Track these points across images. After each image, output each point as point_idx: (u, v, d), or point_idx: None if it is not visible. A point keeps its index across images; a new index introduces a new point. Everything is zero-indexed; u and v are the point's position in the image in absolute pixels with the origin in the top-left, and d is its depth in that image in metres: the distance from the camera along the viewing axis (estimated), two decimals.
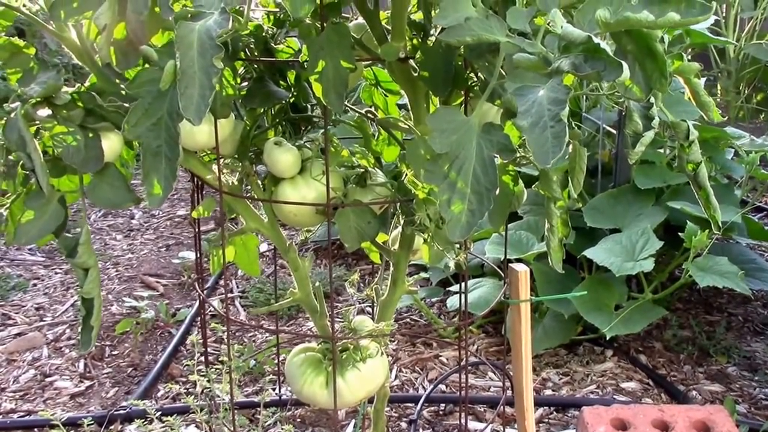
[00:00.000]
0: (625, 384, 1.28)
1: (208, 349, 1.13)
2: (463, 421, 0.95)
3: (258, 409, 1.12)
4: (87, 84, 0.68)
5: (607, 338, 1.26)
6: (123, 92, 0.66)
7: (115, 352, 1.43)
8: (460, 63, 0.66)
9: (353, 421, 1.14)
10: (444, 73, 0.65)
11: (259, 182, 0.77)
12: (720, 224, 0.67)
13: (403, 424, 1.17)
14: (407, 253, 0.79)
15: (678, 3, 0.44)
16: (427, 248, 0.79)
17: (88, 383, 1.32)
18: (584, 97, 1.49)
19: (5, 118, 0.62)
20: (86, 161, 0.65)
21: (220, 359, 0.90)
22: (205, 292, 1.30)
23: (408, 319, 1.55)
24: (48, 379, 1.34)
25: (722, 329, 1.42)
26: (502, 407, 1.02)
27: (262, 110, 0.78)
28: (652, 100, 0.59)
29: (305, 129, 0.81)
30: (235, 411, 0.88)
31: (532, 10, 0.51)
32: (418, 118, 0.72)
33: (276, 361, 1.23)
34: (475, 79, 0.68)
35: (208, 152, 0.78)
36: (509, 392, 0.92)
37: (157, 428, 1.00)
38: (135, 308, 1.54)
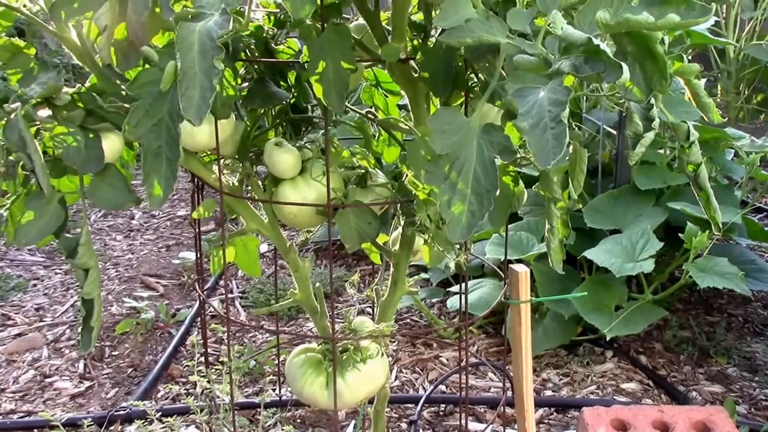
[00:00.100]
0: (625, 385, 1.28)
1: (208, 350, 1.13)
2: (463, 421, 0.95)
3: (258, 409, 1.12)
4: (87, 84, 0.68)
5: (608, 339, 1.25)
6: (123, 93, 0.66)
7: (115, 353, 1.43)
8: (460, 64, 0.66)
9: (353, 421, 1.14)
10: (444, 74, 0.65)
11: (260, 183, 0.77)
12: (720, 225, 0.67)
13: (404, 425, 1.16)
14: (408, 253, 0.79)
15: (678, 4, 0.45)
16: (428, 249, 0.79)
17: (88, 384, 1.32)
18: (584, 97, 1.49)
19: (6, 119, 0.62)
20: (87, 162, 0.65)
21: (220, 360, 0.90)
22: (205, 292, 1.29)
23: (408, 320, 1.55)
24: (48, 380, 1.34)
25: (722, 330, 1.42)
26: (502, 408, 1.02)
27: (262, 111, 0.78)
28: (653, 101, 0.59)
29: (306, 130, 0.81)
30: (236, 411, 0.88)
31: (532, 11, 0.51)
32: (418, 118, 0.72)
33: (276, 362, 1.23)
34: (476, 80, 0.68)
35: (209, 153, 0.78)
36: (509, 393, 0.92)
37: (157, 429, 1.00)
38: (135, 309, 1.54)
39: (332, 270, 0.74)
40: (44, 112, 0.65)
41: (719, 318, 1.50)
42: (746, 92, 2.64)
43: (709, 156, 1.46)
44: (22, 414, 1.23)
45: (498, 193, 0.50)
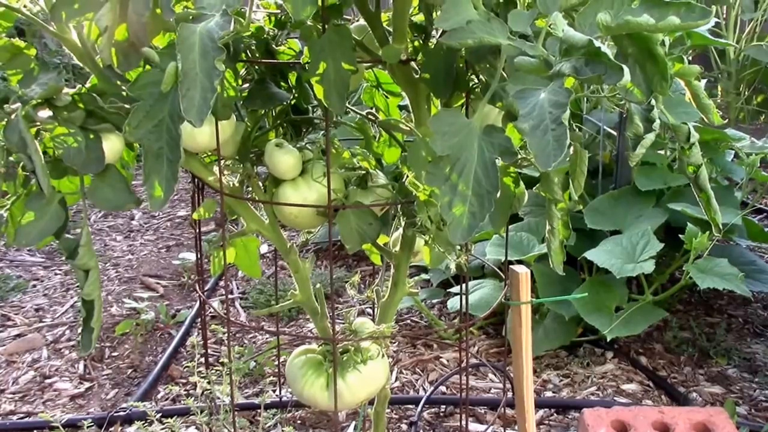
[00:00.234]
0: (625, 386, 1.28)
1: (209, 351, 1.13)
2: (463, 422, 0.95)
3: (258, 410, 1.12)
4: (88, 85, 0.68)
5: (608, 340, 1.25)
6: (124, 94, 0.66)
7: (115, 354, 1.43)
8: (461, 65, 0.66)
9: (354, 422, 1.14)
10: (445, 75, 0.65)
11: (260, 184, 0.77)
12: (720, 227, 0.67)
13: (404, 426, 1.16)
14: (408, 255, 0.79)
15: (678, 7, 0.45)
16: (428, 250, 0.79)
17: (87, 385, 1.32)
18: (585, 98, 1.50)
19: (6, 120, 0.62)
20: (87, 163, 0.65)
21: (220, 361, 0.89)
22: (205, 293, 1.29)
23: (408, 321, 1.55)
24: (47, 381, 1.34)
25: (722, 331, 1.42)
26: (502, 409, 1.02)
27: (263, 112, 0.78)
28: (653, 102, 0.59)
29: (306, 130, 0.81)
30: (236, 413, 0.88)
31: (533, 12, 0.51)
32: (419, 119, 0.72)
33: (276, 363, 1.23)
34: (476, 81, 0.68)
35: (209, 153, 0.78)
36: (510, 394, 0.92)
37: (157, 430, 0.99)
38: (135, 309, 1.54)
39: (332, 271, 0.74)
40: (45, 113, 0.65)
41: (719, 319, 1.50)
42: (746, 93, 2.65)
43: (710, 157, 1.46)
44: (21, 415, 1.23)
45: (499, 194, 0.50)
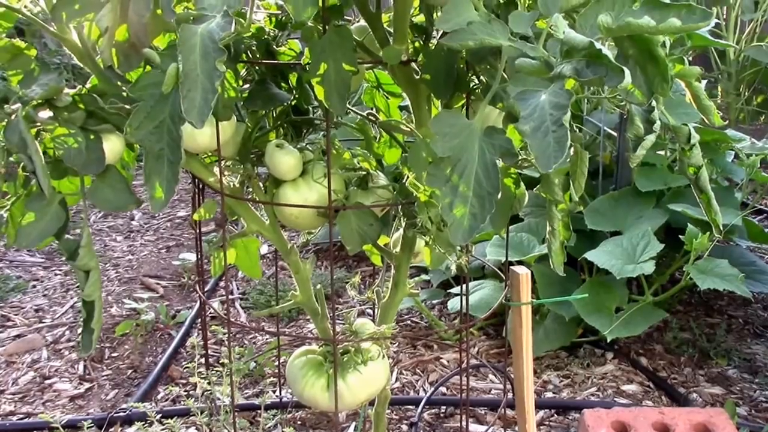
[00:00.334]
0: (625, 386, 1.28)
1: (208, 351, 1.13)
2: (464, 423, 0.95)
3: (258, 411, 1.12)
4: (88, 86, 0.68)
5: (608, 341, 1.25)
6: (124, 94, 0.66)
7: (115, 354, 1.43)
8: (462, 66, 0.66)
9: (354, 423, 1.13)
10: (446, 76, 0.65)
11: (261, 184, 0.77)
12: (721, 228, 0.67)
13: (404, 427, 1.16)
14: (408, 255, 0.79)
15: (679, 9, 0.45)
16: (429, 251, 0.79)
17: (87, 385, 1.32)
18: (585, 99, 1.50)
19: (6, 120, 0.62)
20: (88, 163, 0.65)
21: (220, 361, 0.89)
22: (205, 293, 1.29)
23: (409, 321, 1.55)
24: (47, 381, 1.34)
25: (722, 332, 1.42)
26: (503, 410, 1.02)
27: (263, 112, 0.78)
28: (654, 103, 0.59)
29: (307, 131, 0.81)
30: (236, 413, 0.88)
31: (534, 14, 0.51)
32: (419, 120, 0.72)
33: (276, 364, 1.23)
34: (477, 82, 0.68)
35: (210, 154, 0.78)
36: (510, 395, 0.92)
37: (157, 431, 0.99)
38: (135, 310, 1.54)
39: (333, 272, 0.74)
40: (45, 114, 0.65)
41: (719, 320, 1.50)
42: (746, 94, 2.65)
43: (710, 158, 1.46)
44: (21, 416, 1.23)
45: (499, 195, 0.50)
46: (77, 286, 1.75)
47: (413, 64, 0.69)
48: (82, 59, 0.67)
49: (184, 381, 1.31)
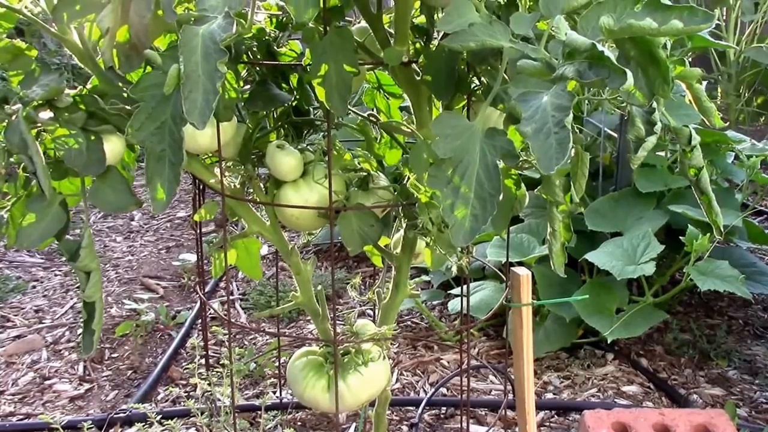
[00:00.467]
0: (626, 387, 1.28)
1: (209, 352, 1.13)
2: (464, 424, 0.95)
3: (259, 412, 1.12)
4: (89, 86, 0.68)
5: (608, 342, 1.25)
6: (125, 95, 0.66)
7: (115, 355, 1.43)
8: (462, 67, 0.66)
9: (354, 424, 1.13)
10: (447, 77, 0.65)
11: (261, 185, 0.77)
12: (722, 229, 0.67)
13: (405, 428, 1.16)
14: (409, 256, 0.79)
15: (681, 10, 0.45)
16: (430, 252, 0.79)
17: (87, 386, 1.32)
18: (586, 100, 1.50)
19: (7, 121, 0.62)
20: (88, 164, 0.65)
21: (220, 362, 0.89)
22: (205, 294, 1.29)
23: (409, 322, 1.54)
24: (47, 382, 1.34)
25: (723, 333, 1.42)
26: (503, 411, 1.02)
27: (264, 113, 0.78)
28: (655, 105, 0.59)
29: (307, 132, 0.81)
30: (236, 414, 0.88)
31: (535, 15, 0.51)
32: (420, 121, 0.72)
33: (277, 364, 1.23)
34: (478, 83, 0.68)
35: (210, 155, 0.78)
36: (510, 395, 0.92)
37: (157, 431, 0.99)
38: (135, 310, 1.53)
39: (334, 273, 0.74)
40: (46, 114, 0.65)
41: (720, 321, 1.50)
42: (746, 95, 2.65)
43: (710, 159, 1.46)
44: (21, 416, 1.23)
45: (501, 197, 0.50)
46: (77, 287, 1.74)
47: (414, 65, 0.69)
48: (82, 60, 0.67)
49: (184, 382, 1.31)
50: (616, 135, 1.46)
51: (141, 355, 1.42)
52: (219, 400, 0.96)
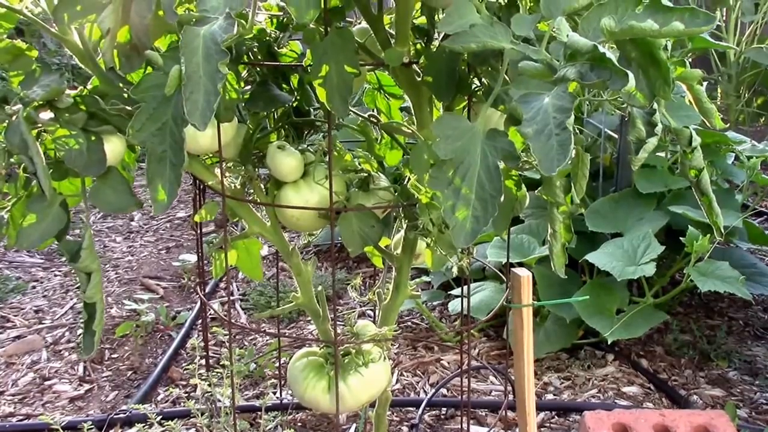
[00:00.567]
0: (626, 388, 1.28)
1: (209, 353, 1.13)
2: (464, 425, 0.95)
3: (259, 413, 1.12)
4: (89, 87, 0.68)
5: (609, 342, 1.25)
6: (125, 95, 0.66)
7: (115, 356, 1.43)
8: (463, 68, 0.66)
9: (355, 425, 1.13)
10: (447, 78, 0.65)
11: (262, 186, 0.77)
12: (722, 231, 0.67)
13: (405, 429, 1.16)
14: (410, 257, 0.79)
15: (682, 12, 0.45)
16: (430, 253, 0.79)
17: (87, 387, 1.32)
18: (586, 101, 1.49)
19: (7, 121, 0.62)
20: (89, 165, 0.64)
21: (220, 363, 0.89)
22: (205, 295, 1.29)
23: (409, 323, 1.54)
24: (47, 383, 1.34)
25: (723, 333, 1.42)
26: (503, 411, 1.02)
27: (265, 114, 0.78)
28: (655, 106, 0.59)
29: (308, 133, 0.81)
30: (236, 415, 0.88)
31: (536, 16, 0.51)
32: (421, 122, 0.72)
33: (277, 365, 1.23)
34: (478, 84, 0.68)
35: (211, 155, 0.78)
36: (511, 396, 0.92)
37: None
38: (135, 311, 1.53)
39: (335, 274, 0.74)
40: (46, 115, 0.65)
41: (720, 321, 1.50)
42: (746, 95, 2.65)
43: (710, 160, 1.46)
44: (21, 417, 1.23)
45: (502, 198, 0.50)
46: (77, 287, 1.74)
47: (415, 66, 0.69)
48: (83, 60, 0.67)
49: (184, 382, 1.31)
50: (616, 136, 1.46)
51: (141, 356, 1.42)
52: (219, 400, 0.96)
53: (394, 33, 0.67)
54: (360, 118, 0.83)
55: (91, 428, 1.02)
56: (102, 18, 0.59)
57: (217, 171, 0.74)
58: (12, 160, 0.66)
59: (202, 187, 0.84)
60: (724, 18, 2.55)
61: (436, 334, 1.46)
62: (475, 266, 1.43)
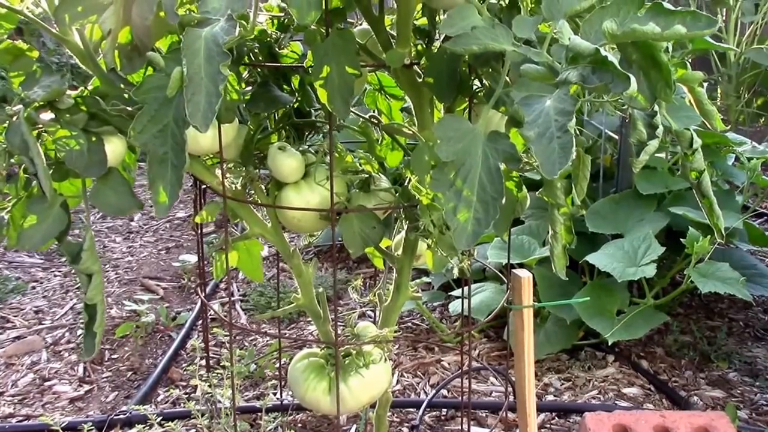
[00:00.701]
0: (626, 389, 1.28)
1: (209, 353, 1.13)
2: (465, 426, 0.95)
3: (259, 414, 1.12)
4: (90, 88, 0.68)
5: (609, 343, 1.25)
6: (126, 96, 0.66)
7: (115, 356, 1.43)
8: (464, 69, 0.66)
9: (355, 426, 1.13)
10: (449, 80, 0.65)
11: (263, 187, 0.77)
12: (723, 233, 0.67)
13: (405, 430, 1.16)
14: (411, 258, 0.79)
15: (684, 15, 0.45)
16: (431, 254, 0.79)
17: (87, 387, 1.32)
18: (587, 102, 1.49)
19: (8, 122, 0.62)
20: (89, 166, 0.64)
21: (220, 363, 0.89)
22: (205, 295, 1.29)
23: (410, 324, 1.54)
24: (47, 383, 1.33)
25: (723, 335, 1.42)
26: (504, 412, 1.01)
27: (265, 115, 0.78)
28: (656, 108, 0.59)
29: (309, 134, 0.81)
30: (237, 416, 0.88)
31: (537, 18, 0.51)
32: (422, 123, 0.72)
33: (277, 365, 1.22)
34: (479, 86, 0.68)
35: (212, 156, 0.78)
36: (511, 397, 0.92)
37: None
38: (135, 311, 1.53)
39: (336, 275, 0.74)
40: (47, 115, 0.65)
41: (720, 323, 1.50)
42: (746, 96, 2.65)
43: (711, 161, 1.46)
44: (20, 418, 1.23)
45: (503, 200, 0.50)
46: (77, 288, 1.74)
47: (416, 68, 0.69)
48: (84, 61, 0.67)
49: (184, 383, 1.31)
50: (616, 137, 1.46)
51: (141, 357, 1.42)
52: (219, 401, 0.96)
53: (395, 34, 0.67)
54: (361, 119, 0.83)
55: (91, 429, 1.02)
56: (103, 19, 0.59)
57: (218, 172, 0.74)
58: (12, 160, 0.65)
59: (202, 187, 0.84)
60: (724, 18, 2.55)
61: (437, 335, 1.46)
62: (476, 267, 1.43)
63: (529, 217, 1.48)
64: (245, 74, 0.76)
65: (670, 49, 0.55)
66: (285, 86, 0.77)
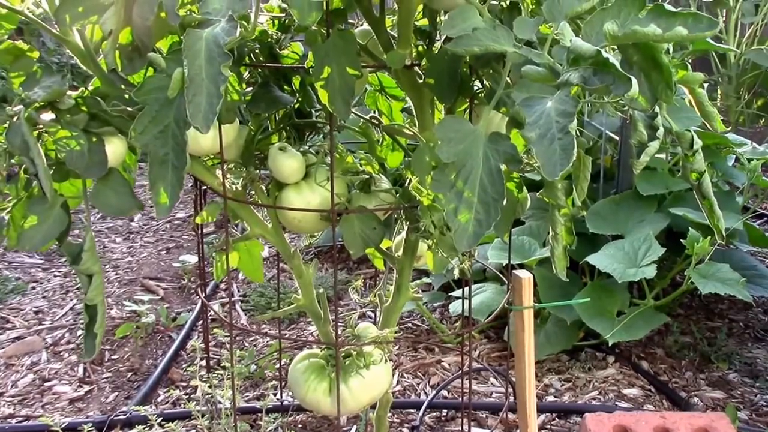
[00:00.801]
0: (626, 390, 1.28)
1: (209, 354, 1.13)
2: (465, 427, 0.95)
3: (260, 414, 1.12)
4: (91, 88, 0.68)
5: (609, 344, 1.25)
6: (127, 97, 0.66)
7: (115, 357, 1.43)
8: (465, 70, 0.66)
9: (355, 427, 1.13)
10: (449, 80, 0.65)
11: (264, 187, 0.77)
12: (723, 234, 0.67)
13: (406, 431, 1.16)
14: (411, 259, 0.79)
15: (685, 17, 0.45)
16: (431, 255, 0.79)
17: (87, 388, 1.32)
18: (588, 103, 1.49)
19: (8, 122, 0.62)
20: (90, 166, 0.64)
21: (221, 364, 0.89)
22: (205, 296, 1.29)
23: (410, 324, 1.54)
24: (47, 384, 1.33)
25: (723, 335, 1.42)
26: (504, 413, 1.01)
27: (266, 115, 0.78)
28: (657, 109, 0.59)
29: (310, 134, 0.81)
30: (237, 416, 0.87)
31: (538, 20, 0.51)
32: (423, 124, 0.72)
33: (277, 366, 1.22)
34: (480, 87, 0.68)
35: (212, 157, 0.78)
36: (511, 398, 0.92)
37: None
38: (135, 312, 1.53)
39: (337, 276, 0.74)
40: (47, 116, 0.65)
41: (720, 323, 1.50)
42: (746, 97, 2.65)
43: (711, 161, 1.46)
44: (20, 418, 1.22)
45: (504, 201, 0.50)
46: (77, 288, 1.74)
47: (417, 68, 0.69)
48: (84, 61, 0.67)
49: (184, 384, 1.31)
50: (617, 137, 1.46)
51: (141, 357, 1.42)
52: (220, 402, 0.96)
53: (396, 35, 0.67)
54: (362, 120, 0.83)
55: (91, 430, 1.01)
56: (104, 19, 0.59)
57: (219, 172, 0.74)
58: (13, 161, 0.65)
59: (203, 188, 0.84)
60: (724, 20, 2.55)
61: (437, 336, 1.46)
62: (476, 268, 1.43)
63: (530, 218, 1.48)
64: (246, 75, 0.76)
65: (671, 50, 0.55)
66: (286, 87, 0.77)
